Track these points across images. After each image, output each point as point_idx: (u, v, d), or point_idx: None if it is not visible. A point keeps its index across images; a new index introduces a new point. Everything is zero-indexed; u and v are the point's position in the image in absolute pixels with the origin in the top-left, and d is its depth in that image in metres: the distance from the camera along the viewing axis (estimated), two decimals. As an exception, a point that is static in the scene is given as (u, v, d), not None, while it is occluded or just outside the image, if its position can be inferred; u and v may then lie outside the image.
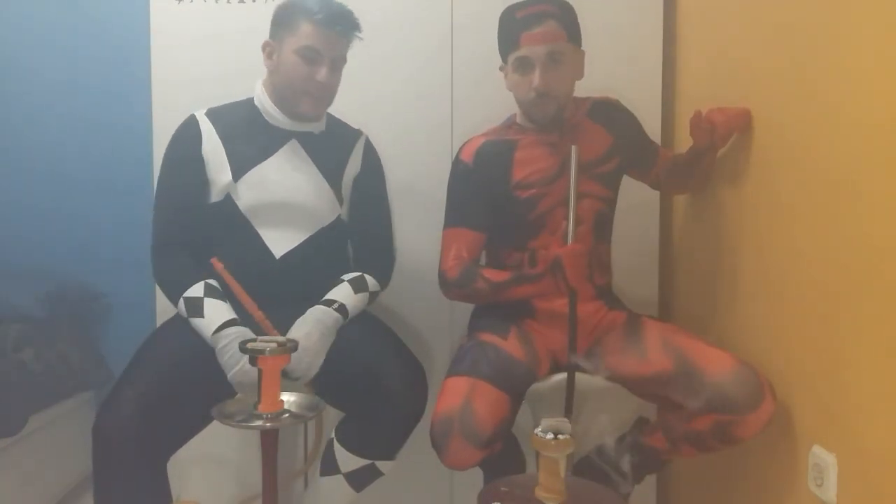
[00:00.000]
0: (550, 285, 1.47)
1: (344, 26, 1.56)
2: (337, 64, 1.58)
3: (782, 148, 1.39)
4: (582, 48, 1.59)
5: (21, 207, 2.36)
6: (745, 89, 1.56)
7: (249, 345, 1.26)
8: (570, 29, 1.55)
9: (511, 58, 1.55)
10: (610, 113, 1.65)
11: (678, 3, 1.95)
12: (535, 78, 1.50)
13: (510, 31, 1.54)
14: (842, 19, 1.20)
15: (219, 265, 1.46)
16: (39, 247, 2.35)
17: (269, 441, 1.31)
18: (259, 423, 1.25)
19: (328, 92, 1.60)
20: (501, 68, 1.63)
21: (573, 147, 1.43)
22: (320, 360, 1.47)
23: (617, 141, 1.62)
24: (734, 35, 1.63)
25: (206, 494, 1.83)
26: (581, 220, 1.54)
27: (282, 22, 1.57)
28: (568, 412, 1.43)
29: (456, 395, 1.37)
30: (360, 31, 1.60)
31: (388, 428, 1.47)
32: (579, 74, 1.61)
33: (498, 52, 1.63)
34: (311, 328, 1.46)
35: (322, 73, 1.54)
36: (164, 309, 1.62)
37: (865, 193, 1.13)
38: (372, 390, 1.44)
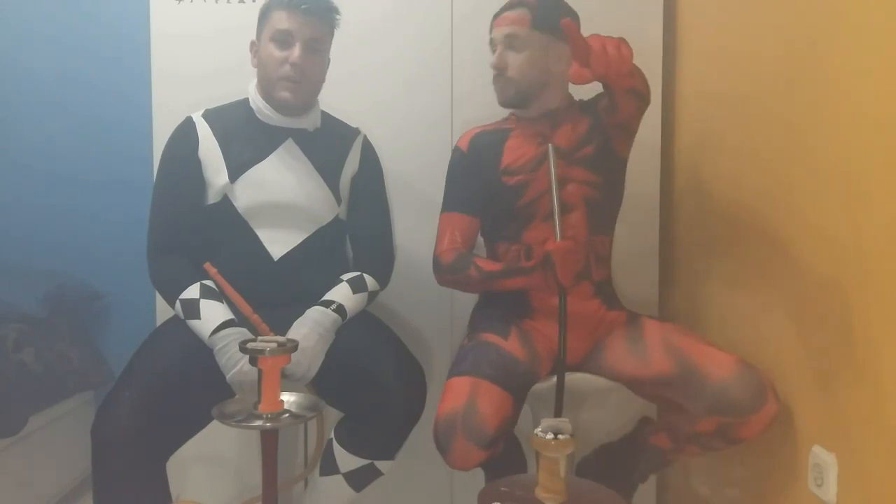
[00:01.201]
0: (540, 280, 1.47)
1: (312, 5, 1.56)
2: (313, 46, 1.57)
3: (783, 147, 1.39)
4: (561, 42, 1.56)
5: (21, 207, 2.36)
6: (745, 88, 1.56)
7: (249, 345, 1.26)
8: (539, 18, 1.56)
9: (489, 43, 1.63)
10: (594, 100, 1.64)
11: (678, 3, 1.95)
12: (494, 57, 1.58)
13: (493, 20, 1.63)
14: (842, 17, 1.20)
15: (212, 270, 1.45)
16: (39, 246, 2.34)
17: (269, 441, 1.31)
18: (259, 423, 1.25)
19: (307, 76, 1.57)
20: None
21: (549, 145, 1.46)
22: (319, 361, 1.46)
23: (592, 121, 1.60)
24: (734, 34, 1.63)
25: (207, 494, 1.83)
26: (572, 207, 1.55)
27: (260, 18, 1.61)
28: (558, 413, 1.42)
29: (459, 395, 1.37)
30: (336, 14, 1.61)
31: (386, 428, 1.47)
32: (553, 64, 1.59)
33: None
34: (310, 329, 1.46)
35: (294, 54, 1.54)
36: (165, 309, 1.62)
37: (866, 193, 1.13)
38: (371, 390, 1.44)
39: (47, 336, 2.07)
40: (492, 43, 1.60)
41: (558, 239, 1.44)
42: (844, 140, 1.19)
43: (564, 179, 1.54)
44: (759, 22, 1.50)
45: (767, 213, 1.45)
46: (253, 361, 1.26)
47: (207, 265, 1.45)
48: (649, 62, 1.94)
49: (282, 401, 1.30)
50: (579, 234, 1.56)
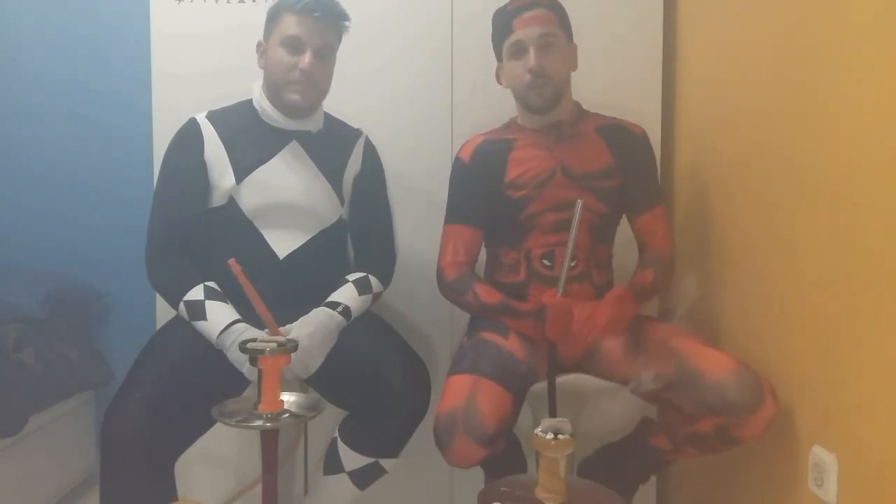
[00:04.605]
0: (531, 328, 1.49)
1: (324, 13, 1.55)
2: (322, 52, 1.57)
3: (782, 149, 1.39)
4: (574, 42, 1.62)
5: (21, 207, 2.36)
6: (745, 89, 1.56)
7: (249, 345, 1.26)
8: (561, 18, 1.58)
9: (505, 46, 1.58)
10: (621, 136, 1.63)
11: (678, 6, 1.95)
12: (531, 58, 1.53)
13: (503, 22, 1.58)
14: (841, 23, 1.20)
15: (236, 267, 1.40)
16: (39, 247, 2.34)
17: (269, 441, 1.31)
18: (259, 423, 1.25)
19: (316, 81, 1.58)
20: (497, 70, 1.65)
21: (578, 201, 1.44)
22: (319, 362, 1.47)
23: (618, 163, 1.60)
24: (733, 39, 1.63)
25: (207, 495, 1.82)
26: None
27: (269, 20, 1.59)
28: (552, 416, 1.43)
29: (459, 393, 1.37)
30: (347, 20, 1.61)
31: (391, 426, 1.47)
32: (573, 65, 1.62)
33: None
34: (314, 329, 1.46)
35: (305, 61, 1.53)
36: (165, 309, 1.62)
37: (864, 194, 1.13)
38: (375, 388, 1.45)
39: (47, 336, 2.06)
40: (516, 44, 1.54)
41: (559, 293, 1.45)
42: (845, 140, 1.19)
43: (571, 202, 1.51)
44: (760, 22, 1.50)
45: (767, 213, 1.45)
46: (253, 362, 1.26)
47: (232, 262, 1.39)
48: (649, 62, 1.94)
49: (282, 401, 1.30)
50: (581, 241, 1.56)
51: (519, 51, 1.55)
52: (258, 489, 1.37)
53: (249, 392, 1.47)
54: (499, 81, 1.66)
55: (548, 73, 1.54)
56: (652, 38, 1.94)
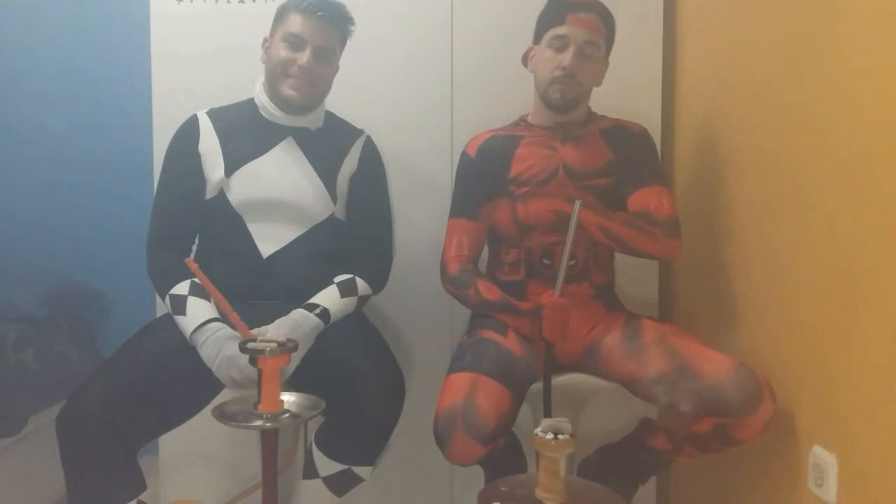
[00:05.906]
0: (528, 326, 1.50)
1: (328, 13, 1.57)
2: (322, 52, 1.58)
3: (781, 149, 1.39)
4: (608, 60, 1.63)
5: (22, 208, 2.36)
6: (743, 92, 1.56)
7: (249, 345, 1.26)
8: (609, 32, 1.60)
9: (549, 34, 1.58)
10: (620, 133, 1.63)
11: (678, 7, 1.95)
12: (568, 56, 1.53)
13: (557, 9, 1.58)
14: (840, 24, 1.20)
15: (193, 265, 1.42)
16: (40, 247, 2.35)
17: (269, 441, 1.31)
18: (259, 423, 1.25)
19: (314, 79, 1.59)
20: (529, 51, 1.65)
21: (577, 201, 1.44)
22: (294, 365, 1.46)
23: (616, 159, 1.60)
24: (733, 39, 1.63)
25: (207, 495, 1.83)
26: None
27: (276, 18, 1.61)
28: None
29: (458, 391, 1.37)
30: (351, 24, 1.62)
31: (362, 433, 1.45)
32: (599, 81, 1.63)
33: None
34: (289, 331, 1.44)
35: (304, 58, 1.55)
36: (164, 308, 1.62)
37: (864, 194, 1.13)
38: (347, 394, 1.42)
39: (47, 336, 2.07)
40: (560, 38, 1.55)
41: (557, 293, 1.44)
42: (844, 140, 1.19)
43: (570, 201, 1.51)
44: (759, 22, 1.50)
45: (768, 213, 1.45)
46: (253, 361, 1.26)
47: (188, 261, 1.43)
48: (649, 62, 1.94)
49: (282, 401, 1.30)
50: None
51: (560, 44, 1.55)
52: (258, 491, 1.37)
53: (228, 395, 1.46)
54: (524, 63, 1.66)
55: (576, 78, 1.55)
56: (652, 38, 1.94)
